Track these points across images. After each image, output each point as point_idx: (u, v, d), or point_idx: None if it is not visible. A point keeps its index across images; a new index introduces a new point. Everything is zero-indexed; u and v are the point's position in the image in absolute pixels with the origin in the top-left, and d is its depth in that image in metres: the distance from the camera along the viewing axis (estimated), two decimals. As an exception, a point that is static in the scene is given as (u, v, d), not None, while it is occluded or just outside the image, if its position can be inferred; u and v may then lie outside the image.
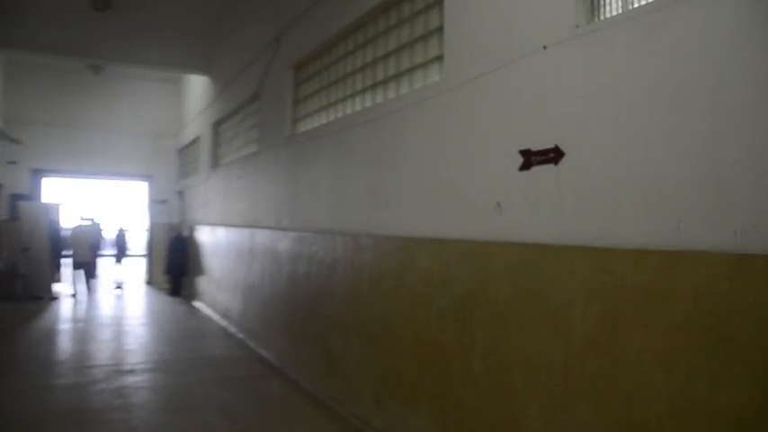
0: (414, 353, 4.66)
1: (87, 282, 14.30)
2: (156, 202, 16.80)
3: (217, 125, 12.18)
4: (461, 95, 4.20)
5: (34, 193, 15.51)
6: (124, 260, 17.07)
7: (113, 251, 16.64)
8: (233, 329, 9.72)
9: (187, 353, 8.31)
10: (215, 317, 11.01)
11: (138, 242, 23.67)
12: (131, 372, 7.22)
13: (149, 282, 16.86)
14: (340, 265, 5.96)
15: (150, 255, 16.98)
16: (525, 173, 3.57)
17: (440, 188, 4.42)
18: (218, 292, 11.09)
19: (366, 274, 5.44)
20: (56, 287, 13.87)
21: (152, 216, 16.93)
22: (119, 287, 15.66)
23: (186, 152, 15.82)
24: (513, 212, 3.68)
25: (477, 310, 3.93)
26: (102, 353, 8.23)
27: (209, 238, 11.86)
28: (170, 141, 16.82)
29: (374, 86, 5.69)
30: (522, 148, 3.59)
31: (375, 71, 5.70)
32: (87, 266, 14.43)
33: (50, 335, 9.50)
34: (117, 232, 15.87)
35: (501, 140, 3.80)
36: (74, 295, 14.00)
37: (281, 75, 8.01)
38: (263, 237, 8.44)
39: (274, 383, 6.86)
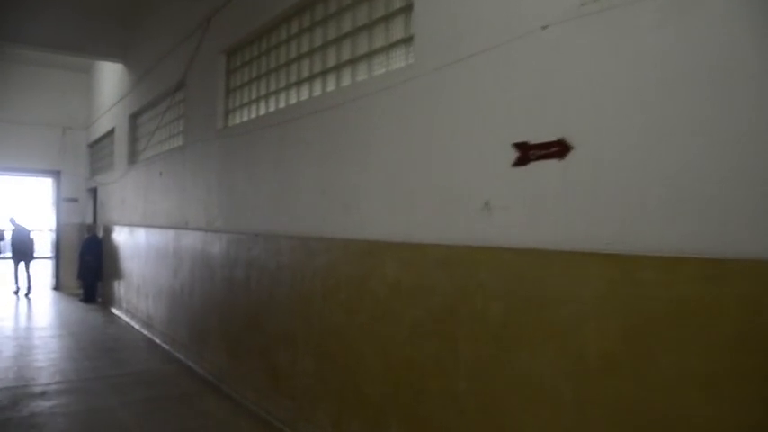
0: (380, 371, 4.16)
1: None
2: (66, 201, 15.52)
3: (134, 117, 11.25)
4: (439, 81, 3.72)
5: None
6: (30, 263, 15.49)
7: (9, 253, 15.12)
8: (157, 339, 8.93)
9: (108, 368, 7.48)
10: (136, 325, 10.14)
11: (42, 244, 22.00)
12: (44, 394, 6.37)
13: (57, 287, 15.58)
14: (286, 272, 5.39)
15: (58, 257, 15.68)
16: (521, 169, 3.14)
17: (413, 187, 3.92)
18: (138, 299, 10.22)
19: (319, 283, 4.90)
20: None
21: (60, 216, 15.63)
22: (17, 292, 14.38)
23: (99, 146, 14.68)
24: (505, 214, 3.24)
25: (461, 325, 3.46)
26: (7, 372, 7.29)
27: (128, 239, 10.94)
28: (80, 135, 15.59)
29: (325, 73, 5.14)
30: (517, 140, 3.15)
31: (325, 56, 5.14)
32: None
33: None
34: (17, 232, 14.29)
35: (489, 132, 3.35)
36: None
37: (211, 61, 7.31)
38: (191, 239, 7.73)
39: (212, 402, 6.20)
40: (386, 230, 4.15)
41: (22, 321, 10.91)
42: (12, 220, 13.82)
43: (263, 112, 6.22)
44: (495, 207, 3.29)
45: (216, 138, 7.09)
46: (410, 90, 3.97)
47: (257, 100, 6.37)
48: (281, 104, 5.85)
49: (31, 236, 14.52)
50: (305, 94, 5.44)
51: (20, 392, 6.44)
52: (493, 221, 3.30)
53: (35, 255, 14.26)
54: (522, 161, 3.13)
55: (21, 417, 5.69)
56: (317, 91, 5.24)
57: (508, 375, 3.17)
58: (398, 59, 4.25)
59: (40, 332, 9.85)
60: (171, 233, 8.54)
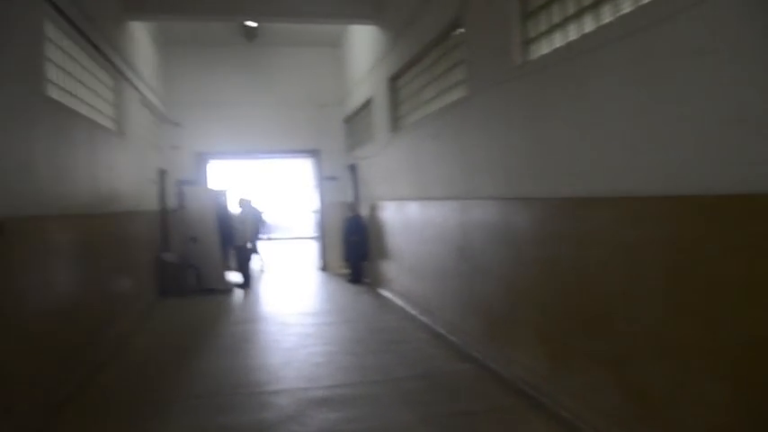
0: None
1: (249, 269, 12.98)
2: (326, 180, 15.20)
3: (394, 80, 10.13)
4: None
5: (199, 178, 14.46)
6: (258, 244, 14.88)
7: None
8: (440, 329, 7.66)
9: (394, 368, 6.32)
10: (412, 311, 9.04)
11: (305, 224, 22.61)
12: (328, 402, 5.33)
13: (323, 268, 15.37)
14: (659, 250, 3.58)
15: (322, 238, 15.46)
16: None
17: None
18: (412, 281, 9.10)
19: (742, 265, 3.03)
20: (228, 278, 12.60)
21: (322, 195, 15.36)
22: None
23: (355, 120, 14.02)
24: None
25: None
26: (285, 369, 6.46)
27: (396, 215, 9.89)
28: (335, 111, 15.14)
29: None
30: None
31: None
32: (249, 252, 13.08)
33: (224, 341, 7.95)
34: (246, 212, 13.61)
35: None
36: (242, 286, 12.72)
37: (501, -19, 5.69)
38: (481, 210, 6.25)
39: (539, 426, 4.66)
40: None
41: (294, 305, 10.41)
42: (242, 202, 13.45)
43: (589, 29, 4.43)
44: None
45: (513, 78, 5.47)
46: None
47: (574, 18, 4.59)
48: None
49: (258, 217, 13.71)
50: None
51: (302, 397, 5.48)
52: None
53: (255, 238, 13.57)
54: None
55: (309, 434, 4.66)
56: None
57: None
58: None
59: (313, 318, 9.17)
60: (452, 205, 7.17)
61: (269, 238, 16.30)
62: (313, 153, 15.40)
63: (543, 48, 5.17)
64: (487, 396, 5.36)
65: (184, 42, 14.20)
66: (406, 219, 9.27)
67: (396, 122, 10.08)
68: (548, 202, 4.95)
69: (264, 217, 14.05)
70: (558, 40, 4.92)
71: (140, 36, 11.00)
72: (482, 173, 6.28)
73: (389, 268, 10.56)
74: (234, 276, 13.11)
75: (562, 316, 4.79)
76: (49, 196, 5.65)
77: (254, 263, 13.42)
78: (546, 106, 4.93)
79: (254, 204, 13.44)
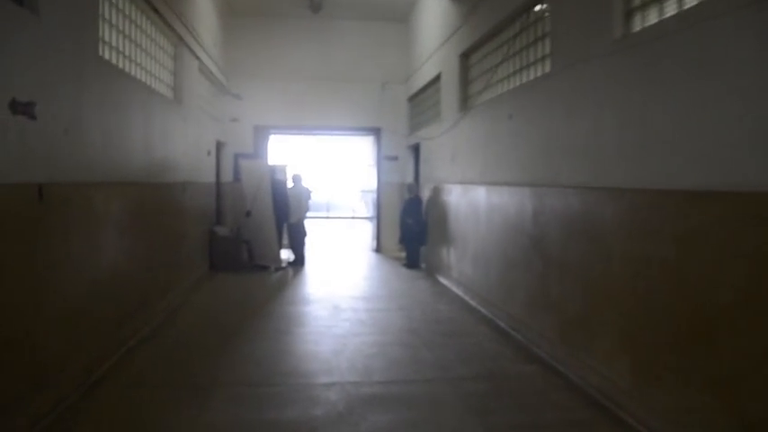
0: None
1: (301, 247, 12.62)
2: (386, 159, 14.70)
3: (465, 56, 9.52)
4: None
5: (258, 153, 14.15)
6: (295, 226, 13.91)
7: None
8: (503, 324, 7.10)
9: (454, 365, 5.80)
10: (472, 301, 8.49)
11: (361, 204, 22.20)
12: (382, 401, 4.86)
13: (378, 249, 14.93)
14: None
15: (378, 219, 15.00)
16: None
17: None
18: (475, 270, 8.55)
19: None
20: (282, 255, 12.26)
21: (380, 175, 14.88)
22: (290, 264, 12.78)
23: (420, 99, 13.45)
24: None
25: None
26: (336, 358, 6.02)
27: (461, 200, 9.33)
28: (399, 89, 14.60)
29: None
30: None
31: None
32: (303, 230, 12.69)
33: (273, 322, 7.58)
34: (298, 188, 12.90)
35: None
36: (295, 264, 12.39)
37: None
38: (563, 199, 5.64)
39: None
40: None
41: (347, 288, 10.00)
42: (295, 177, 12.93)
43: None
44: None
45: (611, 52, 4.82)
46: None
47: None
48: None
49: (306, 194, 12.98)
50: None
51: (354, 393, 5.02)
52: None
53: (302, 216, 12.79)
54: None
55: (361, 437, 4.21)
56: None
57: None
58: None
59: (366, 303, 8.72)
60: (525, 191, 6.58)
61: (322, 217, 15.81)
62: (374, 131, 14.91)
63: (650, 18, 4.50)
64: (560, 407, 4.79)
65: (247, 12, 13.85)
66: (471, 203, 8.70)
67: (465, 102, 9.48)
68: (642, 194, 4.32)
69: (313, 195, 13.49)
70: (669, 9, 4.26)
71: (203, 3, 10.66)
72: (563, 158, 5.66)
73: (449, 254, 10.02)
74: (287, 254, 12.79)
75: (652, 324, 4.18)
76: (97, 162, 5.32)
77: (308, 241, 13.02)
78: (652, 84, 4.28)
79: (305, 181, 13.00)
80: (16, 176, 3.90)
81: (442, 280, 10.35)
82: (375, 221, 15.20)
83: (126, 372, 5.45)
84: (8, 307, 3.82)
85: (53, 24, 4.45)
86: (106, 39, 5.89)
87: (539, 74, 6.53)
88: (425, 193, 11.90)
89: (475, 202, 8.48)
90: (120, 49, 6.34)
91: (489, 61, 8.36)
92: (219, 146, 12.72)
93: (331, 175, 29.86)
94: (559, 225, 5.70)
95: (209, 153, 11.11)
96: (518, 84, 7.18)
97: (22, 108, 3.98)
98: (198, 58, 10.05)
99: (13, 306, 3.89)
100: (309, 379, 5.39)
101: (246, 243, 11.91)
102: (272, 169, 12.38)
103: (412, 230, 12.03)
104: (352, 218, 26.22)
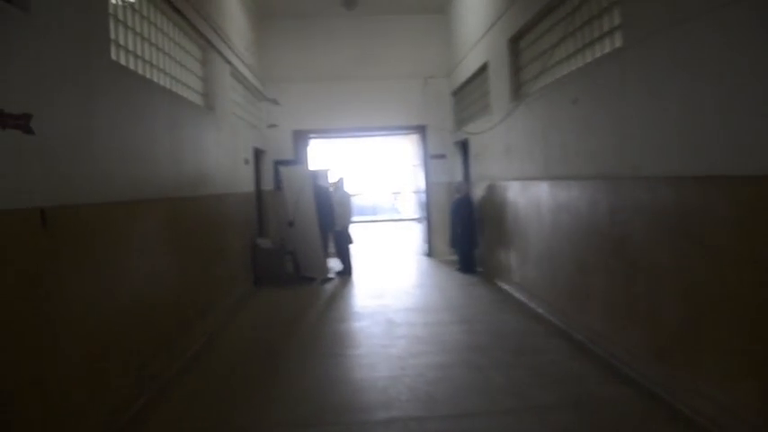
0: None
1: (348, 256, 11.94)
2: (432, 158, 13.93)
3: (515, 40, 8.71)
4: None
5: (299, 158, 13.55)
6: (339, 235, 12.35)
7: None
8: (580, 336, 6.29)
9: (533, 391, 5.00)
10: (539, 309, 7.68)
11: (408, 206, 21.46)
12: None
13: (429, 253, 14.17)
14: None
15: (428, 221, 14.25)
16: None
17: None
18: (539, 274, 7.74)
19: None
20: (327, 265, 11.58)
21: (428, 175, 14.12)
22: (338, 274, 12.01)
23: (465, 92, 12.65)
24: None
25: None
26: (395, 385, 5.29)
27: (519, 197, 8.52)
28: (441, 83, 13.83)
29: None
30: None
31: None
32: (349, 238, 12.00)
33: (323, 342, 6.93)
34: (341, 194, 12.11)
35: None
36: (342, 274, 11.72)
37: None
38: (647, 192, 4.82)
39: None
40: None
41: (399, 298, 9.28)
42: (338, 182, 12.19)
43: None
44: None
45: (711, 9, 3.99)
46: None
47: None
48: None
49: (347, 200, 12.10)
50: None
51: (415, 430, 4.31)
52: None
53: (345, 223, 11.91)
54: None
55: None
56: None
57: None
58: None
59: (422, 316, 7.99)
60: (598, 185, 5.76)
61: (368, 221, 15.10)
62: (418, 129, 14.17)
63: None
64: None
65: (280, 14, 13.29)
66: (532, 201, 7.88)
67: (518, 90, 8.67)
68: (763, 183, 3.49)
69: (354, 199, 12.74)
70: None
71: (231, 5, 10.10)
72: (646, 144, 4.83)
73: (509, 257, 9.21)
74: (333, 264, 12.14)
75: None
76: (115, 179, 4.74)
77: (353, 249, 12.31)
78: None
79: (346, 186, 12.31)
80: (5, 202, 3.31)
81: (502, 285, 9.55)
82: (425, 224, 14.44)
83: (159, 414, 4.85)
84: (10, 354, 3.22)
85: (49, 24, 3.86)
86: (121, 42, 5.31)
87: (606, 50, 5.70)
88: (477, 192, 11.12)
89: (536, 199, 7.67)
90: (139, 53, 5.77)
91: (544, 43, 7.55)
92: (258, 153, 12.18)
93: (375, 177, 29.19)
94: (646, 223, 4.87)
95: (246, 161, 10.55)
96: (581, 64, 6.36)
97: (12, 121, 3.39)
98: (229, 62, 9.49)
99: (20, 352, 3.30)
100: (365, 415, 4.70)
101: (291, 254, 11.31)
102: (314, 175, 11.73)
103: (464, 232, 11.25)
104: (399, 220, 25.52)
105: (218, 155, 8.29)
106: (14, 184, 3.38)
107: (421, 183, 14.46)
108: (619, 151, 5.34)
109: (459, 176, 13.14)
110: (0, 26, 3.34)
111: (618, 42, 5.40)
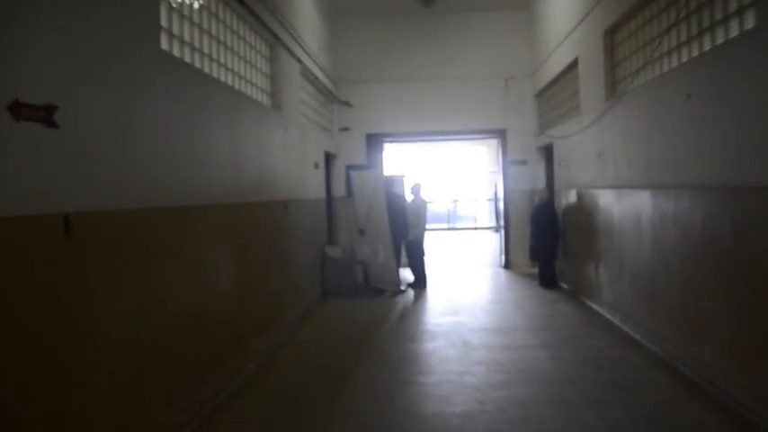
0: None
1: (421, 267, 11.20)
2: (513, 164, 13.07)
3: (611, 33, 7.83)
4: None
5: (372, 163, 12.96)
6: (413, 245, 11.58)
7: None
8: (687, 370, 5.39)
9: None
10: (634, 334, 6.77)
11: (486, 214, 20.59)
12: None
13: (507, 265, 13.30)
14: None
15: (506, 230, 13.39)
16: None
17: None
18: (635, 294, 6.83)
19: None
20: (400, 277, 10.87)
21: (507, 182, 13.28)
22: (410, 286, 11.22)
23: (550, 93, 11.77)
24: None
25: None
26: (472, 425, 4.53)
27: (612, 207, 7.61)
28: (524, 84, 12.96)
29: None
30: None
31: None
32: (422, 248, 11.29)
33: (390, 367, 6.27)
34: (417, 202, 11.42)
35: None
36: (415, 286, 11.01)
37: None
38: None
39: None
40: None
41: (475, 315, 8.51)
42: (414, 189, 11.45)
43: None
44: None
45: None
46: None
47: None
48: None
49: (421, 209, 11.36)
50: None
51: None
52: None
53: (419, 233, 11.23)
54: None
55: None
56: None
57: None
58: None
59: (501, 338, 7.20)
60: (716, 194, 4.87)
61: (444, 229, 14.38)
62: (498, 134, 13.35)
63: None
64: None
65: (354, 13, 12.78)
66: (629, 212, 6.98)
67: (614, 87, 7.78)
68: None
69: (430, 207, 12.01)
70: None
71: (303, 2, 9.63)
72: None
73: (598, 273, 8.30)
74: (406, 275, 11.47)
75: None
76: (160, 182, 4.23)
77: (427, 260, 11.59)
78: None
79: (423, 193, 11.61)
80: (20, 206, 2.80)
81: (590, 304, 8.63)
82: (503, 234, 13.58)
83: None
84: (24, 377, 2.72)
85: (83, 2, 3.37)
86: (175, 32, 4.84)
87: (732, 34, 4.81)
88: (562, 200, 10.23)
89: (635, 209, 6.77)
90: (197, 45, 5.29)
91: (646, 33, 6.66)
92: (329, 158, 11.68)
93: (451, 184, 28.38)
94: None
95: (316, 166, 10.04)
96: (695, 54, 5.47)
97: (30, 113, 2.89)
98: (299, 60, 8.99)
99: (37, 375, 2.79)
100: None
101: (361, 264, 10.73)
102: (388, 181, 11.09)
103: (545, 244, 10.38)
104: (476, 228, 24.64)
105: (285, 157, 7.79)
106: (32, 185, 2.88)
107: (499, 190, 13.62)
108: (746, 155, 4.45)
109: (541, 183, 12.25)
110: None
111: (749, 23, 4.51)
